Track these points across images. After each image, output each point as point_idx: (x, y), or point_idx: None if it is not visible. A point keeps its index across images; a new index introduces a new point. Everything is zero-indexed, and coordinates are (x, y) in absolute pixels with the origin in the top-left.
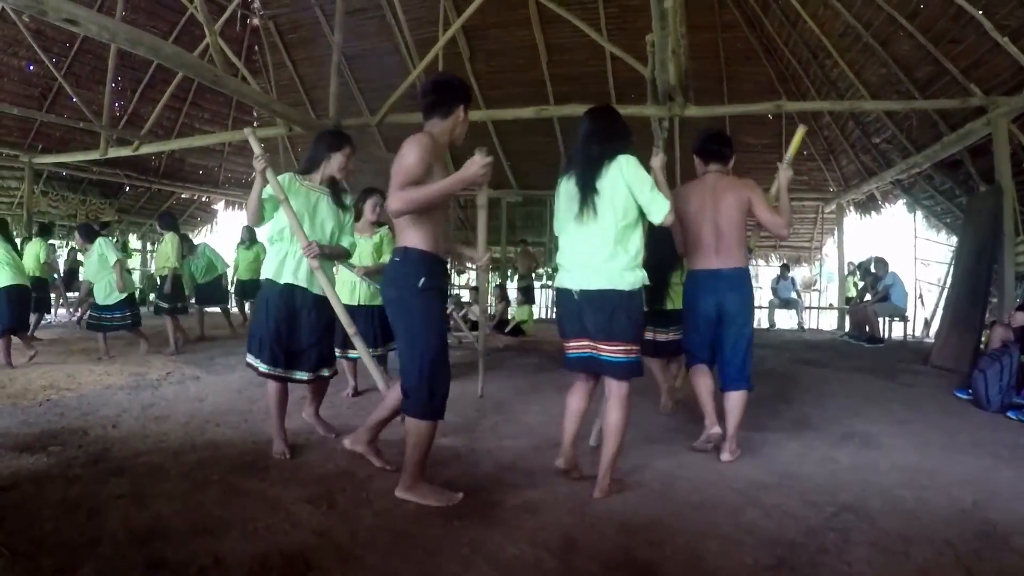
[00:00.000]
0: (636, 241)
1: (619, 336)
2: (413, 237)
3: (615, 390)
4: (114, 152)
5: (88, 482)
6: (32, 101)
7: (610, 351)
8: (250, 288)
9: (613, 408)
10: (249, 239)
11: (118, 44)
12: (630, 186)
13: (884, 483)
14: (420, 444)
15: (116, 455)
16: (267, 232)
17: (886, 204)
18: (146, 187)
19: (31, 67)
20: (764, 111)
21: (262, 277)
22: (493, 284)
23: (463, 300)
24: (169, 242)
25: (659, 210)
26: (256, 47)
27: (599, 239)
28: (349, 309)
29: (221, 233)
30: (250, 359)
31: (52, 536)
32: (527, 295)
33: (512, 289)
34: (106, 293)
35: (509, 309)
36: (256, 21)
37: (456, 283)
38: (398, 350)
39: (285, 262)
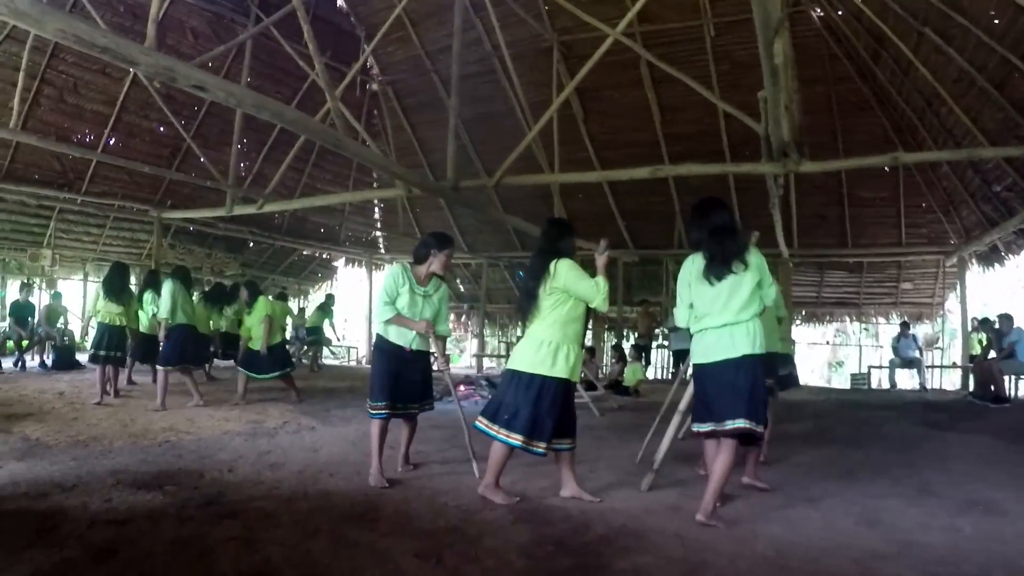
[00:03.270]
0: None
1: None
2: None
3: None
4: (239, 210)
5: (201, 523)
6: (162, 160)
7: None
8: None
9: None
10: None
11: (244, 109)
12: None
13: (1009, 553)
14: None
15: (230, 499)
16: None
17: (1010, 255)
18: (269, 243)
19: (161, 128)
20: (880, 163)
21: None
22: (610, 344)
23: None
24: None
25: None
26: (375, 111)
27: None
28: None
29: (341, 288)
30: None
31: (162, 571)
32: (640, 353)
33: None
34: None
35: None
36: (375, 86)
37: None
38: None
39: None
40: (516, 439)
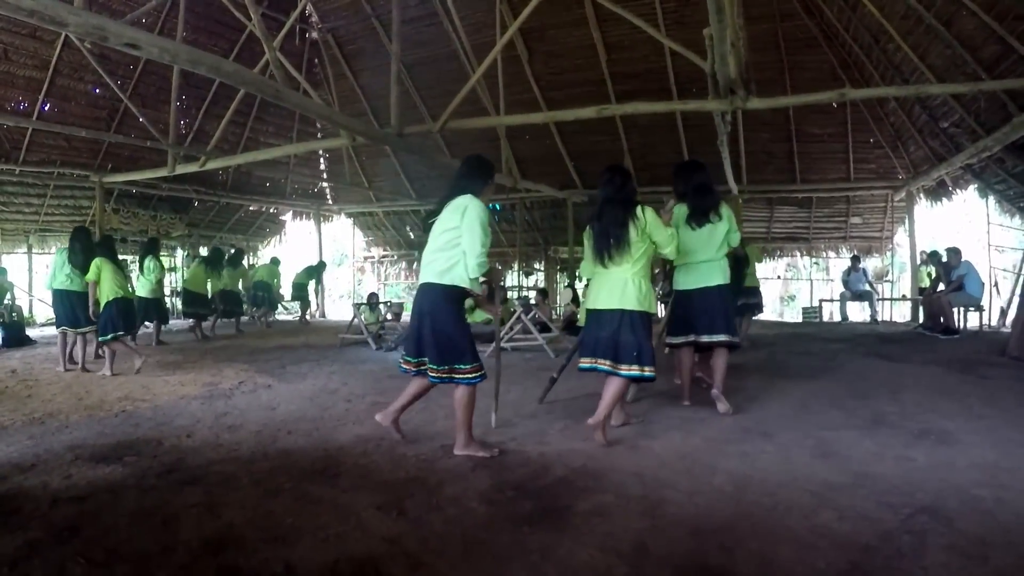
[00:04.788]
0: None
1: None
2: None
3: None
4: (182, 168)
5: (162, 492)
6: (99, 123)
7: None
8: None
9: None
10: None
11: (179, 65)
12: None
13: (961, 482)
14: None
15: (190, 464)
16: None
17: (957, 190)
18: (215, 201)
19: (96, 90)
20: (828, 100)
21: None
22: (563, 284)
23: (531, 302)
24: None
25: None
26: (316, 60)
27: None
28: None
29: (289, 243)
30: None
31: (127, 545)
32: None
33: (580, 289)
34: None
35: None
36: (315, 35)
37: (524, 285)
38: None
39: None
40: (649, 371)
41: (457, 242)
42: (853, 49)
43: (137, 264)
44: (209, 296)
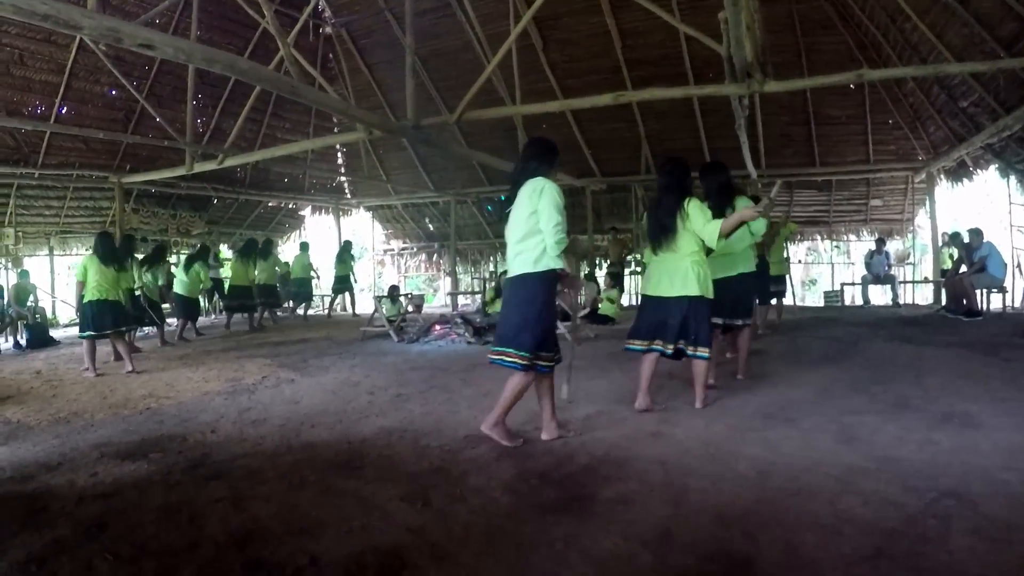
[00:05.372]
0: None
1: None
2: None
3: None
4: (200, 167)
5: (187, 487)
6: (117, 124)
7: None
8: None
9: None
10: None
11: (195, 64)
12: None
13: (986, 465)
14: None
15: (214, 460)
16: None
17: (978, 170)
18: (234, 198)
19: (113, 92)
20: (845, 81)
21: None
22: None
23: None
24: None
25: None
26: (331, 55)
27: None
28: None
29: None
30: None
31: (153, 541)
32: (616, 281)
33: (601, 276)
34: None
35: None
36: (328, 30)
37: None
38: None
39: None
40: (706, 352)
41: (539, 228)
42: (870, 29)
43: (183, 265)
44: (251, 287)
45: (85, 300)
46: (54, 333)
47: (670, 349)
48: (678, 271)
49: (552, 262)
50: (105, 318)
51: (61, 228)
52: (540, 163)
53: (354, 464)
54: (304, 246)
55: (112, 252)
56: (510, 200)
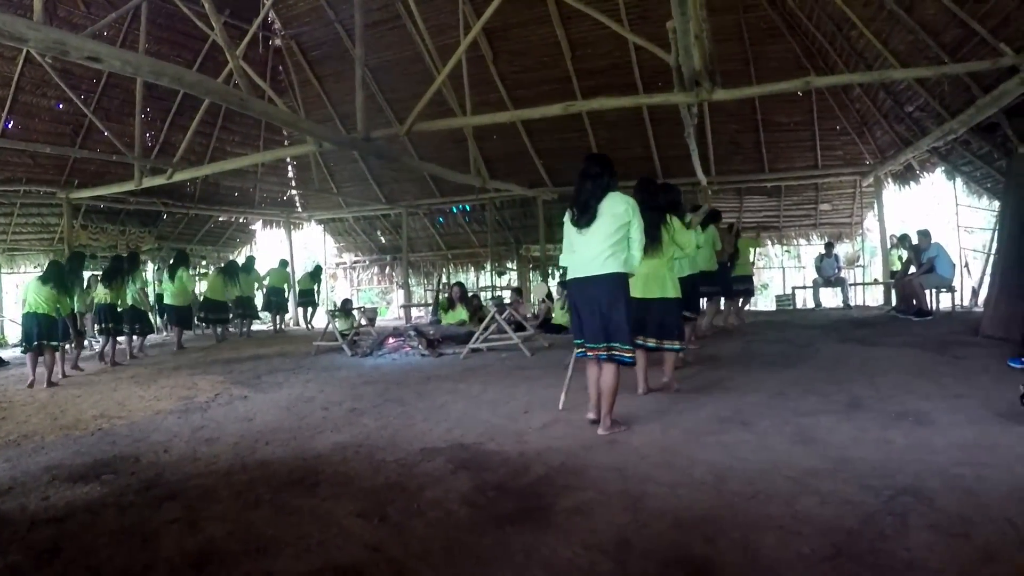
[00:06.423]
0: None
1: None
2: None
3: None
4: (149, 182)
5: (141, 508)
6: (64, 138)
7: None
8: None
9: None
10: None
11: (142, 76)
12: None
13: (941, 462)
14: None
15: (168, 480)
16: None
17: (924, 173)
18: (183, 213)
19: (60, 106)
20: (793, 88)
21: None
22: (536, 282)
23: (506, 302)
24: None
25: None
26: (280, 67)
27: None
28: None
29: (260, 252)
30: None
31: (108, 564)
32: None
33: (554, 287)
34: None
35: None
36: (278, 42)
37: (499, 284)
38: None
39: None
40: (681, 344)
41: (625, 234)
42: (816, 37)
43: (167, 274)
44: (227, 303)
45: (23, 312)
46: (3, 354)
47: (652, 343)
48: (658, 278)
49: (633, 267)
50: (33, 330)
51: (8, 246)
52: (612, 177)
53: (310, 481)
54: (283, 263)
55: (55, 274)
56: (584, 210)
